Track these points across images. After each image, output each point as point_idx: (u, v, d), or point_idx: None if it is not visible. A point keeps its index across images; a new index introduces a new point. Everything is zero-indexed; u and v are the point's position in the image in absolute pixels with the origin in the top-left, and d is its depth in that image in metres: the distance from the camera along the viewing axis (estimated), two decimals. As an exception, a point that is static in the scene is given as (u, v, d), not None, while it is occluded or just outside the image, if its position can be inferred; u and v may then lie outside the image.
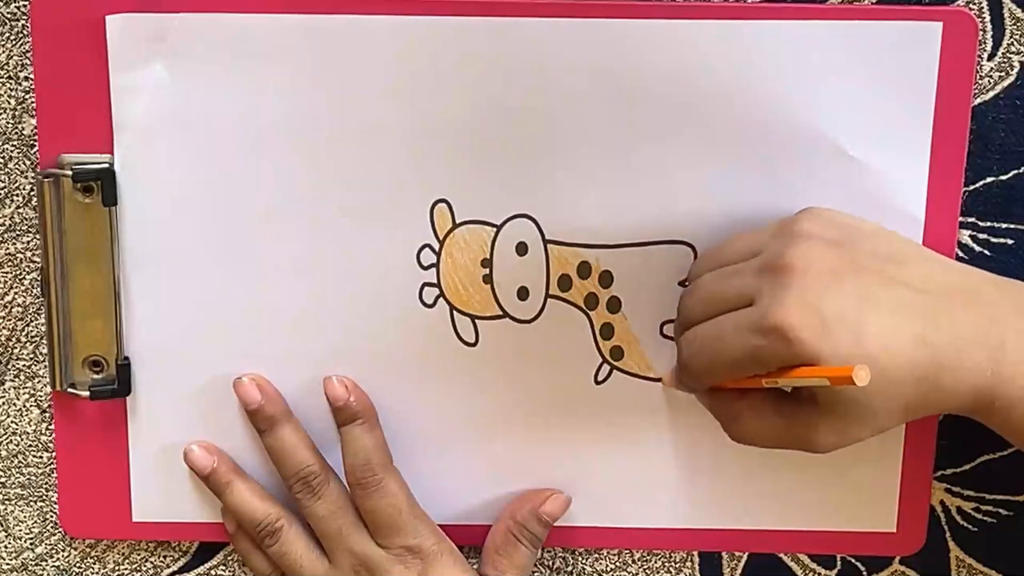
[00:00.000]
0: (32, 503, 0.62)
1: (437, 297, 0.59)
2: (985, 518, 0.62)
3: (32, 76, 0.57)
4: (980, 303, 0.50)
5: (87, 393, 0.59)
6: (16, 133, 0.58)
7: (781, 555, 0.62)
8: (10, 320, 0.60)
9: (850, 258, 0.49)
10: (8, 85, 0.58)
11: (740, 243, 0.53)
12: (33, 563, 0.63)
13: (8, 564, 0.63)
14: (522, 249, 0.58)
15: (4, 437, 0.61)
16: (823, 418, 0.49)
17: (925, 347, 0.48)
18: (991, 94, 0.57)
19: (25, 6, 0.57)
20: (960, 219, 0.58)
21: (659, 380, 0.60)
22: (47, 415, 0.61)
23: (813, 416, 0.50)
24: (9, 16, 0.57)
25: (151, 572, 0.63)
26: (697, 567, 0.63)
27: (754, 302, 0.49)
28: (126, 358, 0.59)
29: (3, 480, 0.62)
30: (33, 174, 0.58)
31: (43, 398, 0.61)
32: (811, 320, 0.47)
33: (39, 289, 0.59)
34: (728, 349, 0.50)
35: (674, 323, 0.57)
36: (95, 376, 0.59)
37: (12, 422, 0.61)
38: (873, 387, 0.46)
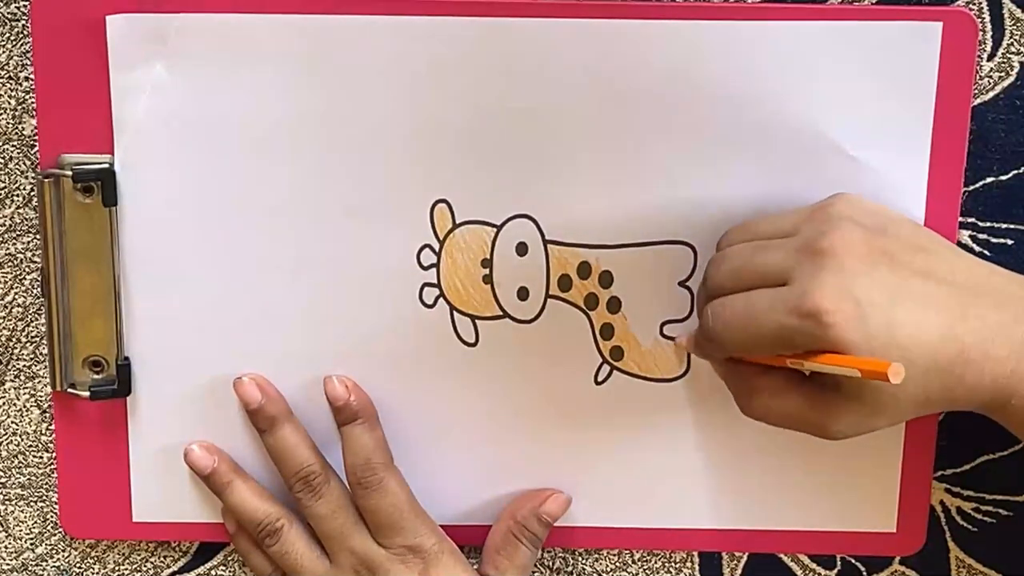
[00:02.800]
0: (32, 503, 0.62)
1: (437, 297, 0.59)
2: (985, 518, 0.62)
3: (32, 76, 0.57)
4: (1005, 300, 0.50)
5: (87, 393, 0.59)
6: (16, 133, 0.58)
7: (781, 555, 0.62)
8: (10, 320, 0.60)
9: (886, 247, 0.49)
10: (8, 85, 0.58)
11: (775, 220, 0.53)
12: (33, 563, 0.63)
13: (8, 564, 0.63)
14: (522, 249, 0.58)
15: (4, 437, 0.61)
16: (844, 405, 0.49)
17: (952, 341, 0.48)
18: (991, 94, 0.57)
19: (25, 6, 0.57)
20: (960, 219, 0.58)
21: (659, 380, 0.60)
22: (47, 415, 0.61)
23: (834, 402, 0.50)
24: (9, 16, 0.57)
25: (151, 572, 0.63)
26: (697, 567, 0.63)
27: (789, 282, 0.49)
28: (126, 358, 0.59)
29: (3, 480, 0.62)
30: (33, 174, 0.58)
31: (43, 398, 0.61)
32: (847, 307, 0.47)
33: (39, 289, 0.59)
34: (760, 326, 0.49)
35: (699, 288, 0.56)
36: (95, 376, 0.59)
37: (12, 422, 0.61)
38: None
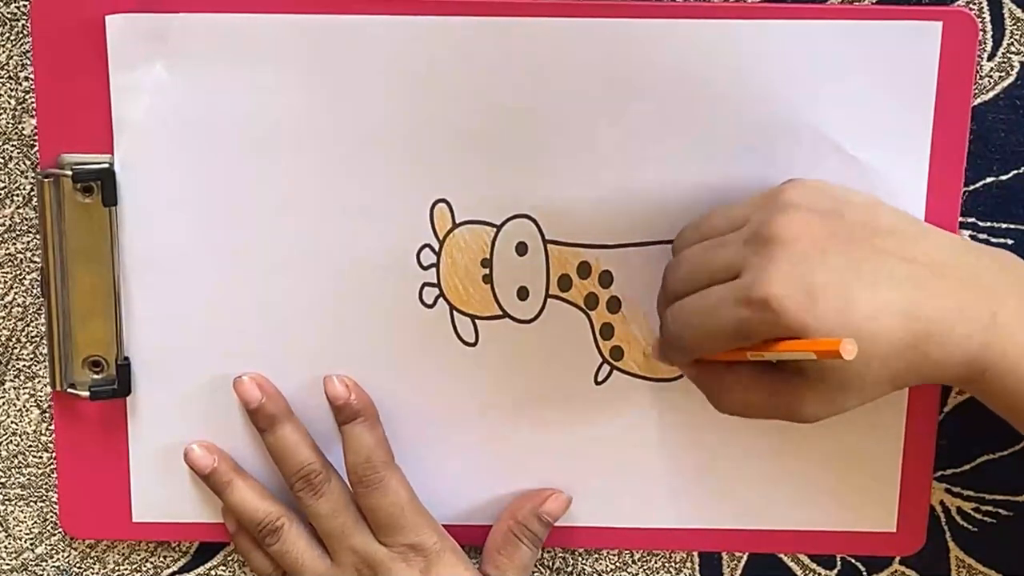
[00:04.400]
0: (32, 503, 0.62)
1: (437, 297, 0.59)
2: (985, 518, 0.62)
3: (32, 76, 0.57)
4: (972, 275, 0.50)
5: (87, 393, 0.59)
6: (16, 133, 0.58)
7: (781, 555, 0.62)
8: (10, 320, 0.60)
9: (837, 228, 0.49)
10: (8, 85, 0.58)
11: (724, 214, 0.53)
12: (33, 563, 0.63)
13: (8, 564, 0.63)
14: (522, 249, 0.58)
15: (4, 437, 0.61)
16: (810, 389, 0.49)
17: (914, 319, 0.48)
18: (991, 94, 0.57)
19: (25, 6, 0.57)
20: (960, 219, 0.58)
21: (659, 380, 0.60)
22: (47, 415, 0.61)
23: (800, 387, 0.49)
24: (9, 16, 0.57)
25: (151, 572, 0.63)
26: (697, 567, 0.63)
27: (740, 274, 0.49)
28: (126, 358, 0.59)
29: (3, 480, 0.62)
30: (33, 174, 0.58)
31: (43, 398, 0.61)
32: (797, 292, 0.47)
33: (39, 289, 0.59)
34: (714, 322, 0.49)
35: (659, 294, 0.56)
36: (95, 376, 0.59)
37: (12, 422, 0.61)
38: (861, 359, 0.45)
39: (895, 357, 0.48)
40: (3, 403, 0.61)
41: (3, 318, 0.60)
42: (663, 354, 0.55)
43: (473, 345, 0.59)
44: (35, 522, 0.62)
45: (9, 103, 0.58)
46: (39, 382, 0.61)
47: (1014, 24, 0.56)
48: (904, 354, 0.48)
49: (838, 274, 0.48)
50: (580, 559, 0.63)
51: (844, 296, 0.47)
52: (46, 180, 0.57)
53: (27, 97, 0.58)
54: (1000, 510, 0.62)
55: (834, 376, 0.48)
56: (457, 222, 0.58)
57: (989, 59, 0.57)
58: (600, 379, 0.60)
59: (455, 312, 0.59)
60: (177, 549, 0.63)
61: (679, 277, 0.53)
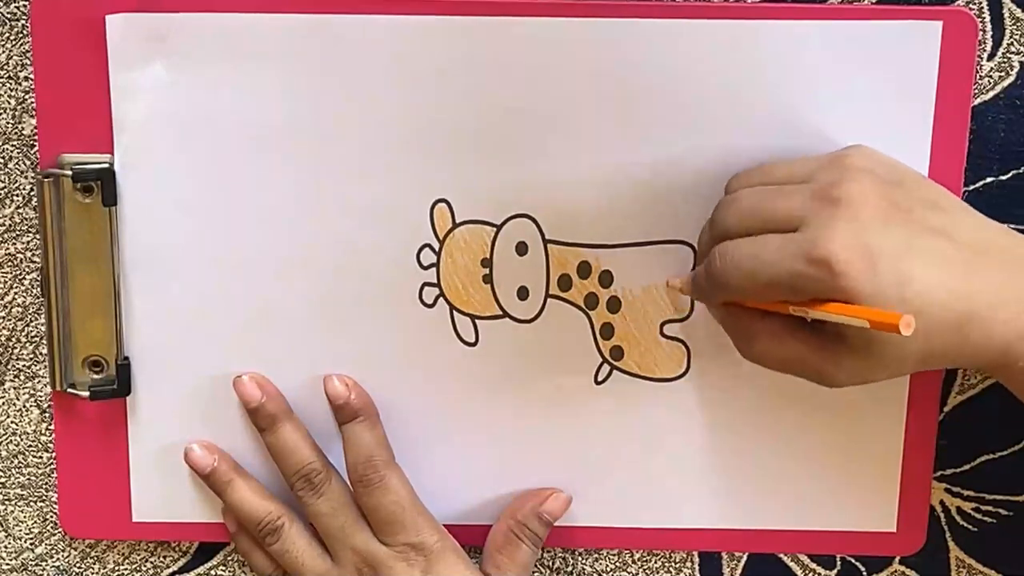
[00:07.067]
0: (32, 503, 0.62)
1: (437, 297, 0.59)
2: (985, 518, 0.62)
3: (32, 76, 0.57)
4: (1011, 259, 0.49)
5: (87, 393, 0.59)
6: (16, 133, 0.58)
7: (781, 555, 0.62)
8: (10, 320, 0.60)
9: (900, 201, 0.49)
10: (8, 85, 0.58)
11: (788, 166, 0.53)
12: (33, 563, 0.63)
13: (8, 564, 0.63)
14: (522, 249, 0.58)
15: (4, 437, 0.61)
16: (847, 355, 0.49)
17: (960, 300, 0.48)
18: (991, 94, 0.57)
19: (25, 6, 0.57)
20: (960, 219, 0.58)
21: (659, 380, 0.60)
22: (47, 415, 0.61)
23: (838, 351, 0.49)
24: (9, 16, 0.57)
25: (151, 572, 0.63)
26: (697, 567, 0.63)
27: (801, 228, 0.49)
28: (126, 358, 0.59)
29: (3, 480, 0.62)
30: (33, 174, 0.58)
31: (43, 398, 0.61)
32: (860, 257, 0.47)
33: (39, 289, 0.59)
34: (768, 270, 0.49)
35: (703, 230, 0.56)
36: (95, 376, 0.59)
37: (12, 422, 0.61)
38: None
39: (937, 336, 0.48)
40: (3, 403, 0.61)
41: (3, 318, 0.60)
42: (697, 289, 0.54)
43: (473, 345, 0.59)
44: (35, 522, 0.62)
45: (9, 103, 0.58)
46: (39, 382, 0.61)
47: (1014, 24, 0.56)
48: (945, 334, 0.48)
49: (898, 246, 0.48)
50: (580, 559, 0.63)
51: (901, 269, 0.47)
52: (46, 180, 0.57)
53: (27, 97, 0.58)
54: (1000, 510, 0.62)
55: (876, 347, 0.48)
56: (457, 222, 0.58)
57: (989, 59, 0.57)
58: (600, 379, 0.60)
59: (455, 312, 0.59)
60: (177, 549, 0.63)
61: (733, 215, 0.52)
